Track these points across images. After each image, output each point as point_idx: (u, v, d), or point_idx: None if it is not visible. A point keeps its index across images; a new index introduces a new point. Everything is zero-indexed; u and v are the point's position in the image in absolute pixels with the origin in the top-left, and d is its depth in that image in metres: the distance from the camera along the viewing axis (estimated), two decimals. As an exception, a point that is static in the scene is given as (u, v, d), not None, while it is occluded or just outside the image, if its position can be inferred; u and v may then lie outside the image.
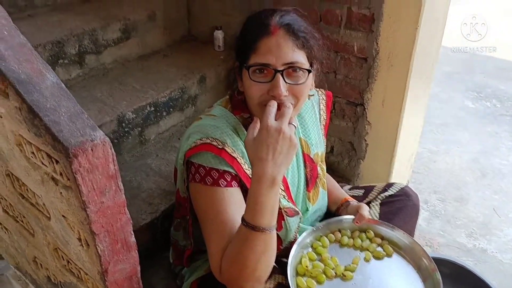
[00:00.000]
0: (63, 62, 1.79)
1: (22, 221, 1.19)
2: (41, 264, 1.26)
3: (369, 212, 1.39)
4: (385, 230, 1.28)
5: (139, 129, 1.77)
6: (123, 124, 1.70)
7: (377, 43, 1.67)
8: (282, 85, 1.03)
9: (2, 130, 0.98)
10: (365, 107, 1.82)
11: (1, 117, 0.94)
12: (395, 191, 1.42)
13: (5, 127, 0.96)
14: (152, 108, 1.79)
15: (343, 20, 1.73)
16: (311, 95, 1.31)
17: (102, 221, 0.89)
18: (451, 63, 4.05)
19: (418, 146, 2.90)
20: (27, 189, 1.05)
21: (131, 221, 0.95)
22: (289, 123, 0.99)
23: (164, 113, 1.85)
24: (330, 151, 2.02)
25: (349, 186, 1.54)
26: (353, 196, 1.45)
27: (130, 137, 1.75)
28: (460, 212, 2.40)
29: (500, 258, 2.12)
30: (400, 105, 1.72)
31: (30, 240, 1.22)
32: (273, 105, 1.00)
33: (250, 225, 0.98)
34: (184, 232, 1.32)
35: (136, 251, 0.99)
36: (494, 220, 2.35)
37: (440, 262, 1.82)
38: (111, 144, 0.84)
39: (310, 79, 1.10)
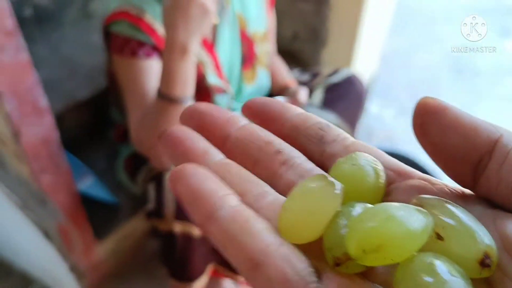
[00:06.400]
0: None
1: None
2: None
3: (314, 97, 1.35)
4: (319, 113, 1.25)
5: (82, 0, 1.64)
6: (62, -7, 1.57)
7: None
8: None
9: None
10: (329, -12, 1.68)
11: None
12: (340, 79, 1.37)
13: None
14: (97, -22, 1.65)
15: None
16: None
17: (4, 80, 0.84)
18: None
19: (400, 40, 2.78)
20: None
21: (41, 83, 0.91)
22: None
23: (112, -15, 1.70)
24: (293, 38, 1.92)
25: (298, 71, 1.48)
26: (300, 81, 1.40)
27: (71, 9, 1.63)
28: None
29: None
30: (363, -11, 1.59)
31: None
32: None
33: (164, 95, 0.95)
34: (118, 107, 1.28)
35: (51, 116, 0.96)
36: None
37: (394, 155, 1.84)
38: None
39: None
